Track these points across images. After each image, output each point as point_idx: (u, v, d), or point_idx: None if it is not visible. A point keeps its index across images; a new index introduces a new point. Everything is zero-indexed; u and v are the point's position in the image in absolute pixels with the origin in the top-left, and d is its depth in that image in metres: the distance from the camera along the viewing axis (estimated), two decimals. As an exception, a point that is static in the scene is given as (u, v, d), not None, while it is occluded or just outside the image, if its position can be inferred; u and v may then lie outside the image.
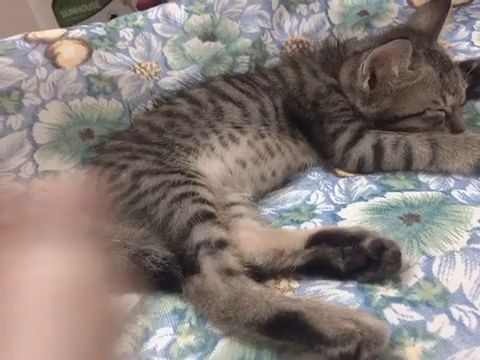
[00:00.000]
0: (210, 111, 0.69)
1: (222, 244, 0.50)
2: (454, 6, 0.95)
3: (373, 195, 0.62)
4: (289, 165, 0.71)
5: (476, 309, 0.44)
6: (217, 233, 0.51)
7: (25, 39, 0.82)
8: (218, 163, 0.65)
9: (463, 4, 0.98)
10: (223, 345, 0.46)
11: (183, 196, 0.54)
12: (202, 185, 0.58)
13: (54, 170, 0.78)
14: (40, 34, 0.83)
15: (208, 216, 0.53)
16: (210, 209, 0.54)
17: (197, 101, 0.71)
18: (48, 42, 0.82)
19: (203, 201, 0.55)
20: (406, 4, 0.96)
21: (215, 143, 0.66)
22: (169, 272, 0.51)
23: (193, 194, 0.55)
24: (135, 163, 0.60)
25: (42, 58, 0.80)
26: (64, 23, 1.47)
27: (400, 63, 0.65)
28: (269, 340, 0.44)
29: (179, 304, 0.51)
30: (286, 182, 0.71)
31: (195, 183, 0.58)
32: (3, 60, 0.78)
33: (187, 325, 0.49)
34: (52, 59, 0.80)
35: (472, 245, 0.51)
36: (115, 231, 0.56)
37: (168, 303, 0.52)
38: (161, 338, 0.48)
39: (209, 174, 0.62)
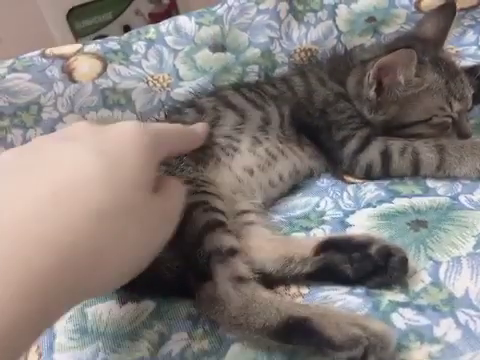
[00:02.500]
0: (209, 119, 0.71)
1: (233, 252, 0.52)
2: (461, 10, 0.96)
3: (381, 201, 0.64)
4: (295, 168, 0.72)
5: (482, 313, 0.45)
6: (228, 241, 0.53)
7: (43, 55, 0.85)
8: (227, 172, 0.67)
9: (471, 8, 0.99)
10: (236, 349, 0.48)
11: (194, 205, 0.56)
12: (213, 194, 0.60)
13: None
14: (57, 50, 0.86)
15: (219, 224, 0.54)
16: (221, 217, 0.56)
17: (203, 110, 0.74)
18: (64, 57, 0.85)
19: (214, 210, 0.57)
20: (414, 9, 0.97)
21: (220, 153, 0.68)
22: (182, 279, 0.53)
23: (205, 203, 0.57)
24: None
25: (59, 73, 0.83)
26: (78, 34, 1.51)
27: (406, 72, 0.66)
28: (280, 344, 0.46)
29: (193, 310, 0.53)
30: (295, 189, 0.73)
31: (206, 192, 0.60)
32: (22, 76, 0.81)
33: (201, 330, 0.51)
34: (69, 74, 0.83)
35: (478, 250, 0.52)
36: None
37: (182, 309, 0.54)
38: (176, 343, 0.50)
39: (219, 182, 0.64)
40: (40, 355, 0.53)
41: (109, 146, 0.36)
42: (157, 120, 0.81)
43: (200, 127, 0.52)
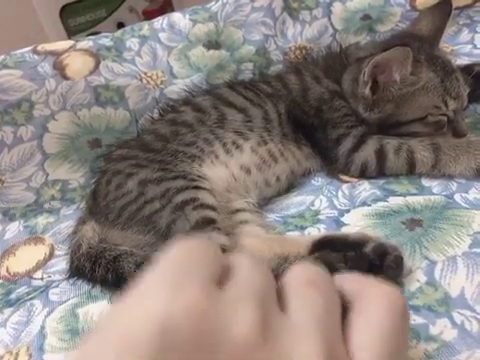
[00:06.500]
0: (213, 118, 0.71)
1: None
2: (457, 8, 0.96)
3: (376, 200, 0.63)
4: (293, 170, 0.72)
5: (478, 314, 0.45)
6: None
7: (34, 51, 0.84)
8: (223, 170, 0.67)
9: (466, 7, 0.99)
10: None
11: (185, 203, 0.56)
12: (204, 188, 0.59)
13: (64, 179, 0.80)
14: (49, 46, 0.85)
15: (209, 222, 0.54)
16: (211, 214, 0.56)
17: (201, 109, 0.73)
18: (56, 54, 0.84)
19: (204, 206, 0.56)
20: (409, 8, 0.97)
21: (219, 150, 0.68)
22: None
23: (194, 200, 0.56)
24: (141, 171, 0.62)
25: (51, 70, 0.82)
26: (72, 31, 1.50)
27: (401, 70, 0.65)
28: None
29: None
30: (290, 187, 0.72)
31: (197, 187, 0.59)
32: (13, 72, 0.80)
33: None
34: (61, 71, 0.82)
35: (474, 249, 0.52)
36: (123, 239, 0.58)
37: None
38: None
39: (214, 180, 0.64)
40: (30, 356, 0.52)
41: None
42: (152, 118, 0.80)
43: None
